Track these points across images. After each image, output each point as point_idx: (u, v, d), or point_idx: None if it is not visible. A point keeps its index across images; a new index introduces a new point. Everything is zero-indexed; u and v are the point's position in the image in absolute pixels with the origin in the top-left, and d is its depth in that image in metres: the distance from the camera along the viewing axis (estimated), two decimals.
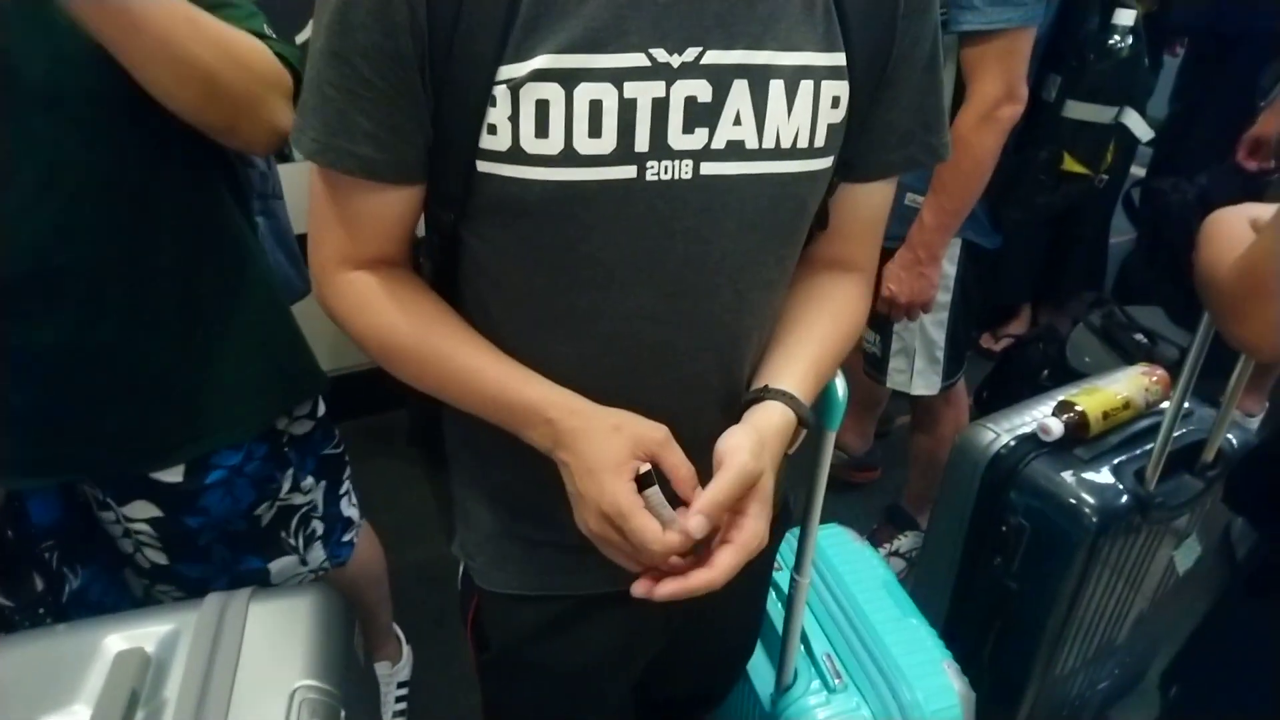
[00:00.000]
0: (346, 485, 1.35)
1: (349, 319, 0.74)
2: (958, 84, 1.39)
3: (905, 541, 2.03)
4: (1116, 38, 1.52)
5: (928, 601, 1.39)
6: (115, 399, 1.00)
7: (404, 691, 1.70)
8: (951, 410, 1.87)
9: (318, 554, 1.27)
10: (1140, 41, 1.51)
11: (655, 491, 0.68)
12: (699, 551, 0.70)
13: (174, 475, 1.06)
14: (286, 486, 1.19)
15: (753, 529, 0.69)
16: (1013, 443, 1.39)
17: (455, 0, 0.60)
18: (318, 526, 1.27)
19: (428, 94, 0.63)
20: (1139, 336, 2.16)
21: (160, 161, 0.95)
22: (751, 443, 0.69)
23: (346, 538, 1.35)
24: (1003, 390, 2.29)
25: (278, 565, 1.22)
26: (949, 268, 1.62)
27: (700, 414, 0.75)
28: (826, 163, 0.71)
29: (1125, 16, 1.48)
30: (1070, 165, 1.63)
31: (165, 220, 0.96)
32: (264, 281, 1.13)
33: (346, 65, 0.62)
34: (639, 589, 0.69)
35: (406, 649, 1.74)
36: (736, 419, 0.74)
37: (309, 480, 1.23)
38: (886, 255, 1.47)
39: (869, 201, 0.81)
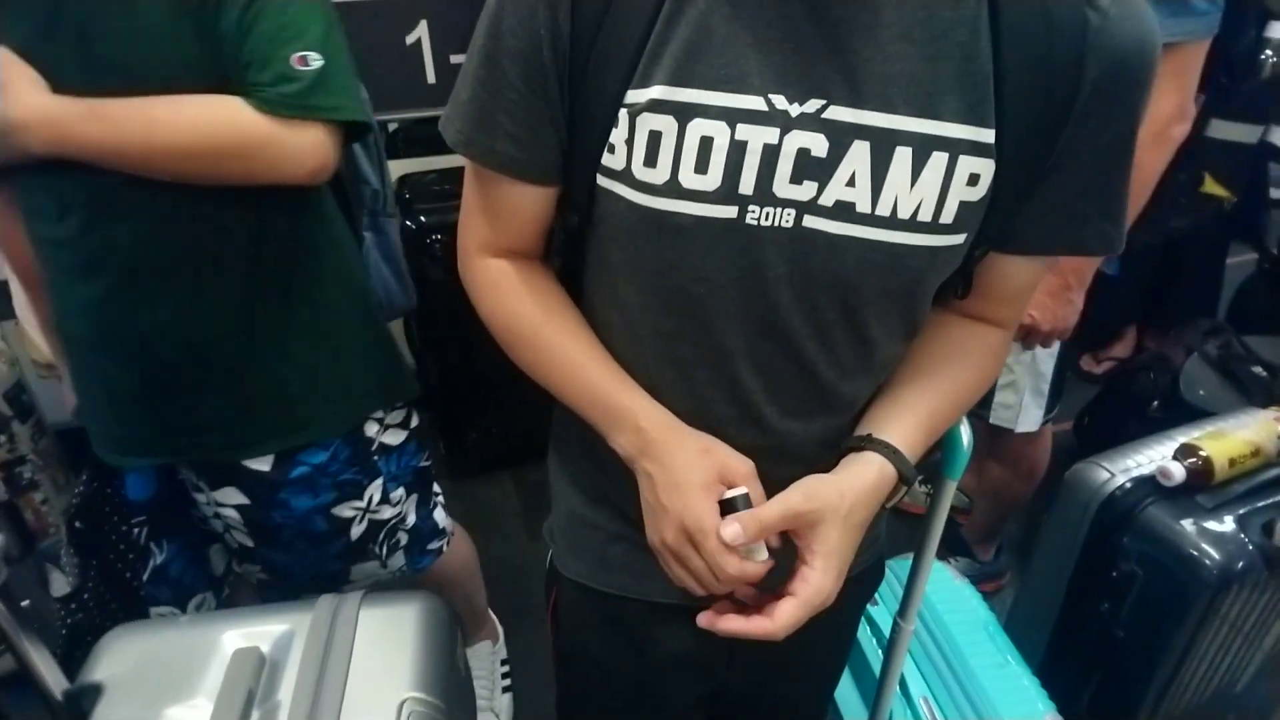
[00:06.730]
0: (437, 497, 1.38)
1: (480, 299, 0.78)
2: None
3: (957, 566, 1.95)
4: (1269, 52, 1.42)
5: (1025, 640, 1.33)
6: (210, 389, 1.05)
7: (507, 668, 1.72)
8: (1036, 447, 1.76)
9: (398, 560, 1.31)
10: None
11: (739, 516, 0.67)
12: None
13: (263, 464, 1.10)
14: (376, 497, 1.21)
15: (818, 584, 0.67)
16: (1129, 484, 1.32)
17: (595, 21, 0.62)
18: (402, 538, 1.30)
19: (564, 103, 0.66)
20: (1258, 370, 2.04)
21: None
22: (812, 488, 0.68)
23: (434, 545, 1.38)
24: (1107, 418, 2.20)
25: (358, 568, 1.25)
26: None
27: (777, 455, 0.73)
28: (954, 240, 0.66)
29: (1278, 30, 1.39)
30: (1210, 187, 1.54)
31: (269, 226, 1.02)
32: (359, 291, 1.16)
33: (495, 66, 0.66)
34: (704, 620, 0.71)
35: (500, 629, 1.77)
36: (827, 465, 0.72)
37: (399, 492, 1.26)
38: None
39: (1022, 271, 0.74)
